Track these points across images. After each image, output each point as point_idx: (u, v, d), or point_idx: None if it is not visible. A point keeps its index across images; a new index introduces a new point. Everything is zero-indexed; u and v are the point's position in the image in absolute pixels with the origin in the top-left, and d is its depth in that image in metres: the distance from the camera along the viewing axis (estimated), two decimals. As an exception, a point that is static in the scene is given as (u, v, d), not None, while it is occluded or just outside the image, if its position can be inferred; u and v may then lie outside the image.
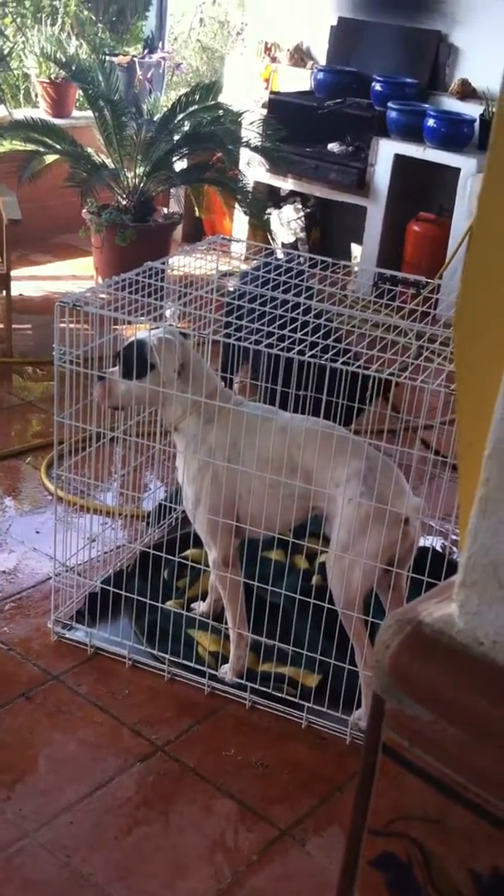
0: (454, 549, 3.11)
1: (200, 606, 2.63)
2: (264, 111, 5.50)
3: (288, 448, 2.29)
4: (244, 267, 3.99)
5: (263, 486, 2.30)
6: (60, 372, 2.37)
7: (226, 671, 2.45)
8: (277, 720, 2.38)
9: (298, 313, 2.42)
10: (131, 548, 2.82)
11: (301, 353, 2.22)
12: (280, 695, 2.39)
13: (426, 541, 3.04)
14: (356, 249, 5.64)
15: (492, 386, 0.72)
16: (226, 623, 2.47)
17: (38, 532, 3.03)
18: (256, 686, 2.40)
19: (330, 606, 2.32)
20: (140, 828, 2.07)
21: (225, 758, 2.27)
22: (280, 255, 4.58)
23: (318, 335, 2.33)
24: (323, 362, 2.21)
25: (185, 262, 2.83)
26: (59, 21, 6.11)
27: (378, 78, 5.39)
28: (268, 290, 2.60)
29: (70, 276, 5.33)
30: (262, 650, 2.48)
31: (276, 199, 5.80)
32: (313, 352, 2.22)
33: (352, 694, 2.36)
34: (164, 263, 2.69)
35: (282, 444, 2.29)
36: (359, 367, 2.29)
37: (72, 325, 2.37)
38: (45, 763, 2.22)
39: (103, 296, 2.49)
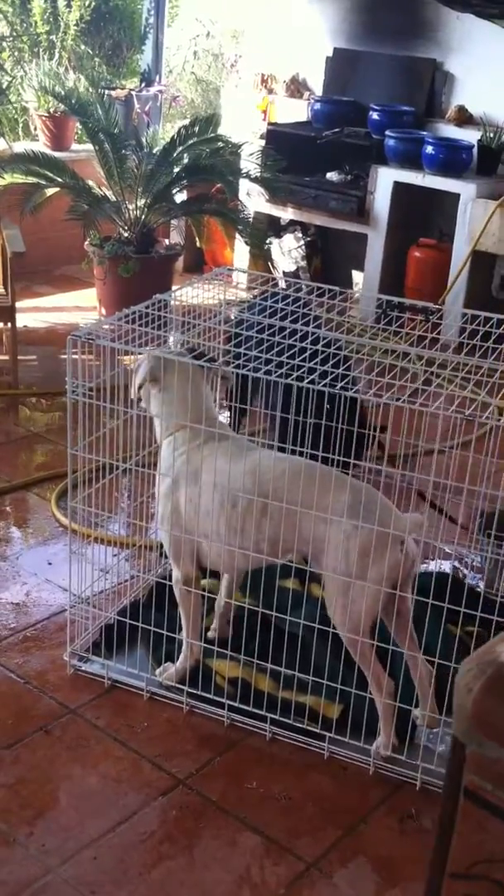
0: (465, 571, 3.10)
1: (208, 633, 2.61)
2: (263, 142, 5.54)
3: (258, 489, 2.25)
4: (246, 296, 4.00)
5: (226, 529, 2.29)
6: (73, 404, 2.37)
7: (164, 671, 2.46)
8: (299, 751, 2.36)
9: (300, 340, 2.43)
10: (145, 578, 2.80)
11: (300, 379, 2.21)
12: (301, 725, 2.36)
13: (438, 565, 3.04)
14: (357, 276, 5.66)
15: None
16: (242, 650, 2.45)
17: (50, 563, 3.01)
18: (277, 717, 2.38)
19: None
20: (164, 863, 2.04)
21: (247, 790, 2.24)
22: (282, 284, 4.60)
23: (322, 363, 2.32)
24: (321, 388, 2.20)
25: (193, 294, 2.84)
26: (57, 55, 6.17)
27: (375, 107, 5.44)
28: (269, 318, 2.61)
29: (74, 307, 5.35)
30: (282, 679, 2.45)
31: (276, 228, 5.84)
32: (311, 377, 2.21)
33: (373, 723, 2.34)
34: (171, 295, 2.71)
35: (252, 485, 2.26)
36: (356, 391, 2.29)
37: (81, 357, 2.37)
38: (65, 798, 2.19)
39: (107, 327, 2.50)
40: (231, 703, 2.41)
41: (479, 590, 2.88)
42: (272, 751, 2.36)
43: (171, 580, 2.49)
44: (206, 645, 2.53)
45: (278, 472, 2.27)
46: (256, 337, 2.50)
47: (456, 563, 3.11)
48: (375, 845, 2.14)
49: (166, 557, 2.94)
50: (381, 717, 2.31)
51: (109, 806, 2.16)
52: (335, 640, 2.39)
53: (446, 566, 3.05)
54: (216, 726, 2.40)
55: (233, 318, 3.10)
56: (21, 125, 6.33)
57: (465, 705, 0.73)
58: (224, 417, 3.20)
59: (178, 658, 2.49)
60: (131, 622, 2.56)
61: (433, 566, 3.04)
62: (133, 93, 6.09)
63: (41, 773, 2.24)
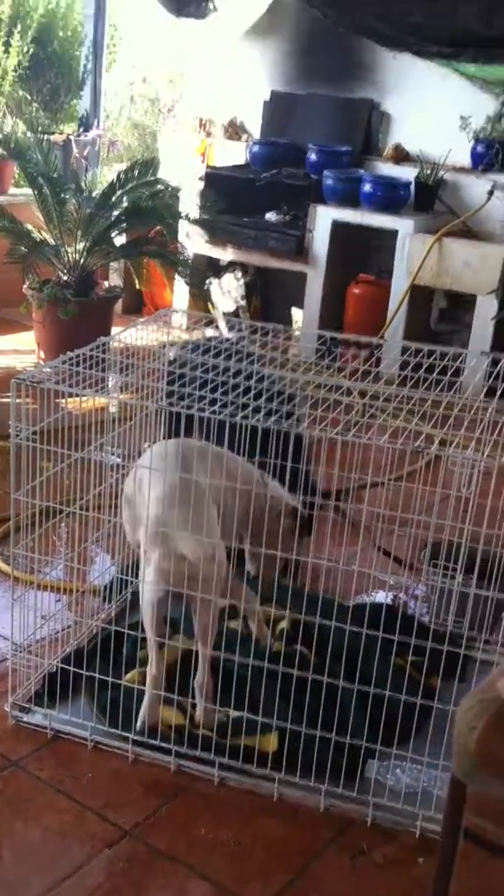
0: (408, 601, 3.10)
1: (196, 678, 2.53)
2: (201, 184, 5.59)
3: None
4: (188, 337, 4.02)
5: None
6: (17, 448, 2.34)
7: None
8: (248, 794, 2.32)
9: (243, 379, 2.44)
10: (88, 624, 2.76)
11: (233, 415, 2.22)
12: (250, 767, 2.33)
13: (378, 596, 3.03)
14: (297, 314, 5.72)
15: None
16: (191, 696, 2.42)
17: (-10, 612, 2.95)
18: (224, 760, 2.34)
19: (292, 672, 2.30)
20: (111, 918, 1.99)
21: (195, 837, 2.19)
22: (223, 325, 4.63)
23: (266, 401, 2.34)
24: (262, 425, 2.21)
25: (137, 336, 2.85)
26: (-6, 101, 6.19)
27: (313, 147, 5.53)
28: (211, 358, 2.62)
29: (12, 350, 5.31)
30: (230, 725, 2.42)
31: (215, 268, 5.88)
32: (255, 415, 2.22)
33: (324, 762, 2.31)
34: (113, 338, 2.71)
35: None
36: (299, 428, 2.31)
37: (21, 401, 2.35)
38: (8, 854, 2.13)
39: (48, 370, 2.49)
40: (178, 748, 2.36)
41: (422, 620, 2.88)
42: (220, 795, 2.32)
43: (114, 625, 2.45)
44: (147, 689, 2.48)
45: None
46: (199, 377, 2.51)
47: (396, 595, 3.12)
48: (327, 885, 2.10)
49: (109, 602, 2.91)
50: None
51: (54, 860, 2.10)
52: (278, 678, 2.37)
53: (386, 597, 3.05)
54: (163, 773, 2.36)
55: (174, 358, 3.10)
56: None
57: (469, 744, 0.71)
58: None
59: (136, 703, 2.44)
60: (74, 670, 2.51)
61: (372, 597, 3.04)
62: (71, 137, 6.13)
63: (-18, 830, 2.17)
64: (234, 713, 2.41)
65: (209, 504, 2.35)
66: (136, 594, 2.89)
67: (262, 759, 2.34)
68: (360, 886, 2.11)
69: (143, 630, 2.43)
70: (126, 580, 2.94)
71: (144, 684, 2.46)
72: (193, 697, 2.44)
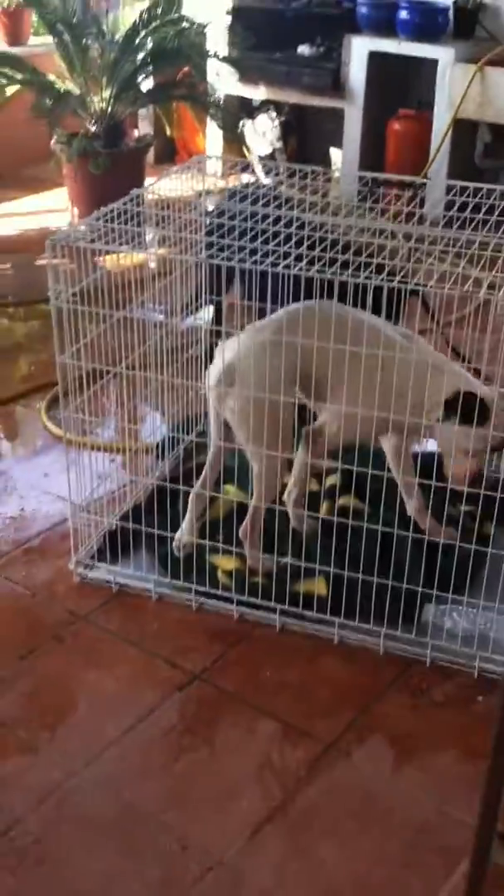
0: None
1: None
2: (229, 19, 5.30)
3: None
4: (224, 184, 3.89)
5: None
6: (58, 311, 2.31)
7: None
8: (309, 638, 2.39)
9: (283, 227, 2.36)
10: (143, 482, 2.79)
11: (287, 267, 2.16)
12: (309, 612, 2.39)
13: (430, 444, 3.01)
14: (336, 154, 5.49)
15: None
16: (238, 545, 2.47)
17: (46, 475, 3.00)
18: (286, 607, 2.40)
19: (347, 522, 2.33)
20: (186, 755, 2.09)
21: (261, 679, 2.28)
22: (259, 169, 4.46)
23: (308, 248, 2.26)
24: (322, 275, 2.15)
25: (170, 186, 2.75)
26: None
27: (345, -28, 5.17)
28: (248, 206, 2.53)
29: (45, 210, 5.20)
30: (287, 572, 2.47)
31: (248, 109, 5.63)
32: (298, 265, 2.14)
33: (381, 607, 2.36)
34: (148, 189, 2.62)
35: None
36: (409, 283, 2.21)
37: (58, 262, 2.30)
38: (83, 702, 2.23)
39: (84, 228, 2.43)
40: (240, 597, 2.43)
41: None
42: (283, 640, 2.39)
43: (168, 481, 2.47)
44: (202, 541, 2.52)
45: None
46: (239, 226, 2.43)
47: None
48: (390, 722, 2.19)
49: (162, 460, 2.94)
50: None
51: (127, 706, 2.20)
52: (333, 529, 2.40)
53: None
54: (226, 621, 2.43)
55: (212, 208, 3.00)
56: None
57: None
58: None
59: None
60: (134, 526, 2.56)
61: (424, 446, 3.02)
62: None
63: (57, 681, 2.27)
64: (286, 560, 2.45)
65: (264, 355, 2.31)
66: (187, 450, 2.92)
67: (320, 604, 2.39)
68: (422, 723, 2.19)
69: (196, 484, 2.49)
70: (177, 437, 2.96)
71: (200, 538, 2.51)
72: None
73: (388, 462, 2.52)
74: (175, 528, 2.56)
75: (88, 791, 2.00)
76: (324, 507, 2.67)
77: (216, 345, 3.25)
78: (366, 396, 2.25)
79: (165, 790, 2.01)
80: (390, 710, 2.21)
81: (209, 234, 2.75)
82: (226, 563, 2.50)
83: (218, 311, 3.34)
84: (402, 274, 2.22)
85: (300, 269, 2.17)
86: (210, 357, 2.96)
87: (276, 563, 2.48)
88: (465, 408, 2.17)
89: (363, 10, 5.03)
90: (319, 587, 2.42)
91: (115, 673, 2.30)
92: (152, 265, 3.24)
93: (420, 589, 2.36)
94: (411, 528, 2.47)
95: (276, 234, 2.33)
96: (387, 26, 4.98)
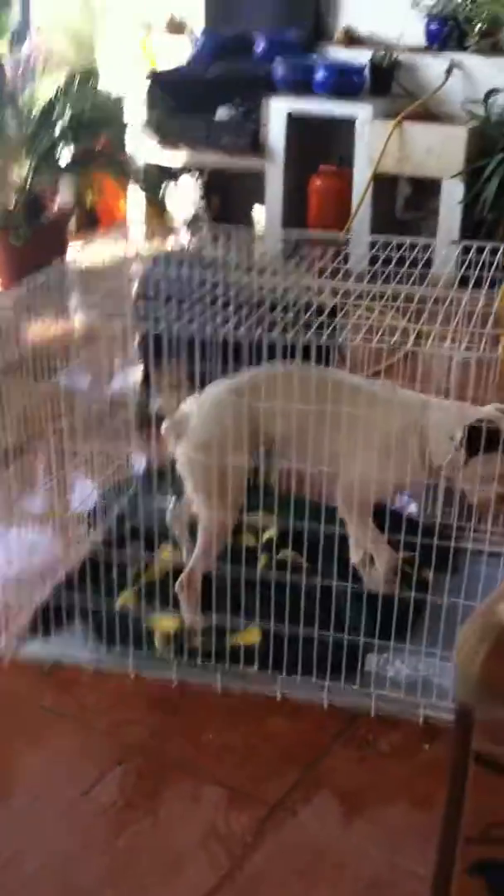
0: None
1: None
2: (147, 85, 5.40)
3: None
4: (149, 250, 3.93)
5: None
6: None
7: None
8: (251, 698, 2.35)
9: (212, 290, 2.39)
10: (76, 550, 2.76)
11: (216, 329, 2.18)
12: (251, 671, 2.36)
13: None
14: (259, 212, 5.59)
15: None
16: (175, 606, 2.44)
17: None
18: (225, 667, 2.37)
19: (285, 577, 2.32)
20: (129, 829, 2.04)
21: (204, 745, 2.24)
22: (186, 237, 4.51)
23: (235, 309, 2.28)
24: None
25: (96, 253, 2.78)
26: None
27: (260, 35, 5.30)
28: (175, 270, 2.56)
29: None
30: (225, 630, 2.44)
31: (170, 173, 5.70)
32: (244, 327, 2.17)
33: (323, 660, 2.34)
34: (71, 259, 2.64)
35: None
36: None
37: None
38: (21, 783, 2.17)
39: (6, 301, 2.43)
40: (178, 661, 2.39)
41: (412, 514, 2.89)
42: (225, 702, 2.35)
43: (102, 548, 2.45)
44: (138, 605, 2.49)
45: None
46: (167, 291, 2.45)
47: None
48: (337, 777, 2.16)
49: (94, 527, 2.91)
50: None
51: (66, 784, 2.14)
52: (272, 586, 2.39)
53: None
54: (165, 688, 2.39)
55: (140, 274, 3.02)
56: None
57: (472, 671, 0.70)
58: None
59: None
60: (67, 597, 2.52)
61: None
62: (4, 54, 5.85)
63: (-6, 761, 2.21)
64: (220, 617, 2.44)
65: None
66: (119, 516, 2.90)
67: (259, 656, 2.36)
68: (369, 776, 2.16)
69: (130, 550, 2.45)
70: (108, 504, 2.94)
71: (137, 604, 2.48)
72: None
73: (356, 520, 2.47)
74: (109, 595, 2.52)
75: (29, 873, 1.93)
76: (262, 560, 2.66)
77: (145, 410, 3.27)
78: (379, 456, 2.27)
79: (108, 867, 1.95)
80: (337, 764, 2.19)
81: (137, 299, 2.77)
82: (163, 625, 2.47)
83: (146, 377, 3.36)
84: (330, 329, 2.26)
85: (228, 331, 2.19)
86: (139, 422, 2.98)
87: (208, 622, 2.46)
88: (485, 436, 2.15)
89: (280, 71, 5.15)
90: (253, 636, 2.39)
91: (52, 749, 2.24)
92: (78, 333, 3.25)
93: (361, 639, 2.35)
94: (350, 578, 2.47)
95: (204, 298, 2.36)
96: (304, 86, 5.11)
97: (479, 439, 2.15)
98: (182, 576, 2.43)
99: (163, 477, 2.61)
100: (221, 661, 2.38)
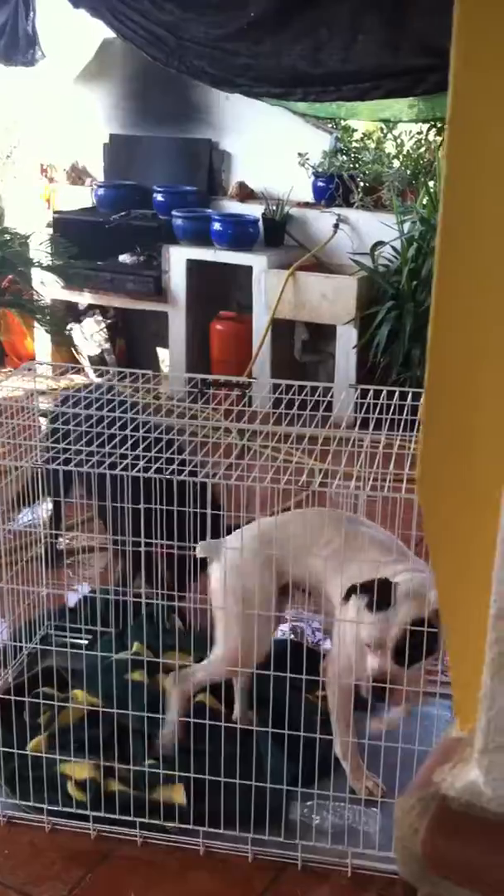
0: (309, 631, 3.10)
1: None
2: (50, 230, 5.52)
3: None
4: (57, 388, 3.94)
5: None
6: None
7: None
8: (174, 851, 2.25)
9: (120, 429, 2.41)
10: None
11: (126, 469, 2.19)
12: (172, 824, 2.26)
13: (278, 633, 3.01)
14: (163, 354, 5.70)
15: (477, 548, 0.69)
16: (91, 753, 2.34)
17: None
18: (145, 819, 2.27)
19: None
20: None
21: (126, 904, 2.11)
22: (90, 372, 4.55)
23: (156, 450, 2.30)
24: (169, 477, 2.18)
25: (1, 391, 2.76)
26: None
27: (158, 188, 5.55)
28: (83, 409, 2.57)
29: None
30: (147, 779, 2.35)
31: (76, 313, 5.79)
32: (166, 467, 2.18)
33: (246, 812, 2.27)
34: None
35: None
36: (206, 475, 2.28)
37: None
38: None
39: None
40: (95, 813, 2.27)
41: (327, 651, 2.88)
42: (146, 856, 2.24)
43: (12, 692, 2.35)
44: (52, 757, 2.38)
45: None
46: (75, 430, 2.45)
47: (295, 627, 3.11)
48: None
49: (4, 669, 2.79)
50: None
51: None
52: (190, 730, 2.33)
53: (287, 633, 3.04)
54: (83, 841, 2.27)
55: (48, 412, 3.02)
56: None
57: (414, 848, 0.68)
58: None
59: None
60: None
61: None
62: None
63: None
64: (143, 767, 2.35)
65: None
66: (31, 655, 2.80)
67: (181, 814, 2.27)
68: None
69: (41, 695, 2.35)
70: (18, 645, 2.83)
71: (48, 752, 2.36)
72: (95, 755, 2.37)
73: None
74: (21, 742, 2.39)
75: None
76: None
77: (55, 546, 3.21)
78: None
79: None
80: (264, 921, 2.09)
81: (46, 437, 2.76)
82: (78, 772, 2.35)
83: (57, 512, 3.31)
84: (239, 469, 2.29)
85: (138, 471, 2.20)
86: (48, 559, 2.92)
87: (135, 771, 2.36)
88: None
89: (179, 222, 5.36)
90: (177, 795, 2.30)
91: (-39, 915, 2.08)
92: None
93: (284, 787, 2.29)
94: (270, 723, 2.41)
95: (112, 437, 2.37)
96: (201, 236, 5.31)
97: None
98: (177, 672, 2.41)
99: (75, 615, 2.54)
100: (141, 815, 2.28)
